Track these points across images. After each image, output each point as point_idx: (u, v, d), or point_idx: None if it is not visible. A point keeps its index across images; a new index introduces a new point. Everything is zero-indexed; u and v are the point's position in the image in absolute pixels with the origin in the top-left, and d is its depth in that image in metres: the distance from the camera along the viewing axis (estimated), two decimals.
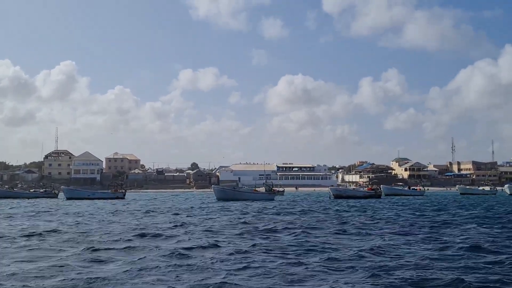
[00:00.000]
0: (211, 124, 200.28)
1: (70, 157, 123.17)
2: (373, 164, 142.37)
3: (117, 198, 54.46)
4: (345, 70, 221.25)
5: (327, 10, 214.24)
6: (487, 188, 77.65)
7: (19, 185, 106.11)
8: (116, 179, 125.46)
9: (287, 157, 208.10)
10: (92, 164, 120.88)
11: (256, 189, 55.96)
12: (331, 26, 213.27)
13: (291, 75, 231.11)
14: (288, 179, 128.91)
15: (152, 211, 28.96)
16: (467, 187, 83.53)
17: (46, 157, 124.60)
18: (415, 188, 74.59)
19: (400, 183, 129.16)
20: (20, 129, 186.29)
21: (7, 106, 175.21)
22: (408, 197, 60.10)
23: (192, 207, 34.27)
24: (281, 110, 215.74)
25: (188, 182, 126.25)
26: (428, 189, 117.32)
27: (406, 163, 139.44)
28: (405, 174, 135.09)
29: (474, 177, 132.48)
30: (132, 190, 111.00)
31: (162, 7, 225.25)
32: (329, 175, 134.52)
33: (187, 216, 24.44)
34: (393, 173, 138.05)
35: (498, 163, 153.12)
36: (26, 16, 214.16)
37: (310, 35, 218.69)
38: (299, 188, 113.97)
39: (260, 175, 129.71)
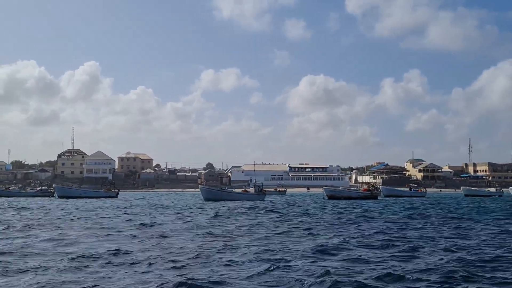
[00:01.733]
0: (231, 125, 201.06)
1: (82, 156, 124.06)
2: (387, 165, 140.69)
3: (109, 197, 54.32)
4: (367, 71, 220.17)
5: (350, 11, 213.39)
6: (492, 189, 76.31)
7: (32, 184, 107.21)
8: (128, 178, 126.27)
9: (305, 157, 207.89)
10: (104, 163, 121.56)
11: (247, 189, 55.23)
12: (354, 27, 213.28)
13: (312, 75, 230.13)
14: (300, 179, 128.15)
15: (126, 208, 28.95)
16: (472, 188, 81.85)
17: (60, 156, 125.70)
18: (417, 189, 73.19)
19: (413, 184, 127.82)
20: (44, 129, 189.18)
21: (32, 106, 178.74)
22: (406, 198, 58.73)
23: (167, 206, 34.62)
24: (302, 110, 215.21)
25: (200, 182, 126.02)
26: (441, 190, 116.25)
27: (420, 164, 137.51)
28: (419, 175, 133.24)
29: (490, 178, 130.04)
30: (143, 189, 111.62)
31: (186, 9, 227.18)
32: (341, 176, 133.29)
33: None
34: (407, 174, 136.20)
35: None
36: (51, 17, 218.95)
37: (332, 36, 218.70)
38: (310, 189, 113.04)
39: (272, 175, 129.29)
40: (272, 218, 22.70)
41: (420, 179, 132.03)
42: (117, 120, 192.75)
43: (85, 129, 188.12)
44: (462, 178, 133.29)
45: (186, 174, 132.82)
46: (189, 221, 20.27)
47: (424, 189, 72.62)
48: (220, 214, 25.09)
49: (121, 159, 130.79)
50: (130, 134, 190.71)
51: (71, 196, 53.67)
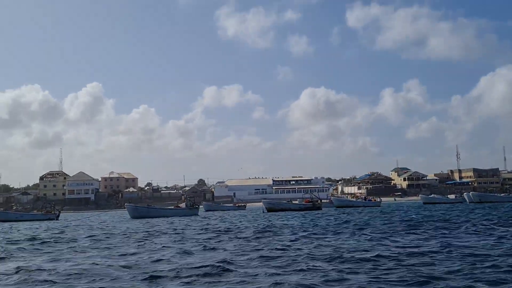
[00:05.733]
0: (233, 141, 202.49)
1: (64, 178, 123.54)
2: (372, 174, 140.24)
3: (49, 219, 52.44)
4: (368, 83, 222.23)
5: (352, 25, 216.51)
6: (452, 196, 75.74)
7: (14, 207, 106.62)
8: (112, 198, 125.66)
9: (304, 170, 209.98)
10: (86, 184, 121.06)
11: (179, 205, 54.73)
12: (356, 40, 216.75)
13: (313, 88, 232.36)
14: (284, 192, 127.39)
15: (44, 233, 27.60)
16: (430, 196, 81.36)
17: (42, 178, 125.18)
18: (371, 199, 72.44)
19: (398, 193, 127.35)
20: (46, 151, 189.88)
21: (36, 129, 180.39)
22: (359, 208, 57.47)
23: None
24: (303, 123, 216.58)
25: (183, 199, 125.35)
26: (395, 199, 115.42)
27: (405, 172, 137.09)
28: (404, 184, 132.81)
29: (475, 184, 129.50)
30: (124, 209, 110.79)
31: (190, 29, 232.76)
32: (326, 187, 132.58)
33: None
34: (392, 183, 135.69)
35: (509, 170, 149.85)
36: (54, 41, 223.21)
37: (335, 50, 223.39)
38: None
39: (255, 189, 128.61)
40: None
41: (405, 187, 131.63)
42: (118, 140, 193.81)
43: (87, 150, 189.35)
44: (448, 185, 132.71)
45: (171, 191, 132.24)
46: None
47: (379, 199, 71.89)
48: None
49: (104, 179, 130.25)
50: (131, 154, 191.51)
51: (7, 220, 50.86)
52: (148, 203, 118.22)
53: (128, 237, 20.38)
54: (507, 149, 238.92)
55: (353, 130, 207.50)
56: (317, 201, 55.39)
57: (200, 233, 21.32)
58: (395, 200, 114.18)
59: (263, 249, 13.41)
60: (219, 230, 22.86)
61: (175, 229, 24.83)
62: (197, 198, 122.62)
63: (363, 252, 12.14)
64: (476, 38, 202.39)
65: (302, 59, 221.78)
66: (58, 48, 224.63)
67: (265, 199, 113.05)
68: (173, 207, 54.03)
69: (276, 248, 13.49)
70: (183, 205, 53.59)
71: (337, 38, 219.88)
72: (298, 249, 13.28)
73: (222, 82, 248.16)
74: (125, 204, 55.49)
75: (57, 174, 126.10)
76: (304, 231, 20.61)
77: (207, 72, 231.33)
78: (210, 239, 17.90)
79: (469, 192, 66.02)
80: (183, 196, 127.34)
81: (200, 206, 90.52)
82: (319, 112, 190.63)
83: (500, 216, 27.85)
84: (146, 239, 18.57)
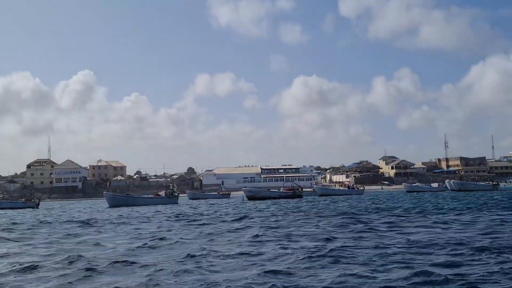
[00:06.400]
0: (225, 129, 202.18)
1: (52, 166, 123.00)
2: (360, 163, 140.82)
3: (28, 207, 52.65)
4: (361, 72, 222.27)
5: (345, 14, 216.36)
6: (435, 184, 76.49)
7: (1, 196, 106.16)
8: (99, 186, 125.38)
9: (295, 159, 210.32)
10: (74, 172, 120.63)
11: (159, 193, 54.83)
12: (349, 29, 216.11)
13: (305, 76, 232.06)
14: (272, 181, 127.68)
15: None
16: (414, 184, 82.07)
17: (29, 166, 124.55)
18: (354, 187, 72.74)
19: (386, 182, 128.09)
20: (37, 140, 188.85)
21: (27, 117, 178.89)
22: (340, 196, 57.79)
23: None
24: (295, 111, 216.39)
25: (171, 187, 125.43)
26: (382, 187, 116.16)
27: (393, 161, 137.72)
28: (392, 173, 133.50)
29: (462, 173, 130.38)
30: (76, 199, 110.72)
31: (183, 17, 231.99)
32: (314, 176, 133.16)
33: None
34: (379, 172, 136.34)
35: (496, 159, 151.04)
36: (45, 28, 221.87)
37: (328, 39, 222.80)
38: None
39: (244, 178, 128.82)
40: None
41: (393, 176, 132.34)
42: (110, 128, 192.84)
43: (78, 138, 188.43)
44: (435, 174, 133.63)
45: (159, 180, 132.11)
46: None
47: (362, 187, 72.34)
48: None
49: (92, 167, 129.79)
50: (123, 142, 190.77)
51: None
52: (135, 192, 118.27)
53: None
54: (497, 138, 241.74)
55: (345, 119, 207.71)
56: (298, 189, 55.61)
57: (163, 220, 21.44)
58: (382, 188, 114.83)
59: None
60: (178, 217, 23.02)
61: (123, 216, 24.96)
62: (186, 187, 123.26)
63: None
64: (468, 27, 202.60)
65: (295, 47, 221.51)
66: (49, 36, 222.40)
67: (253, 187, 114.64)
68: (152, 196, 53.96)
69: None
70: (162, 193, 53.66)
71: (330, 26, 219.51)
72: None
73: (214, 70, 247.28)
74: (104, 192, 55.42)
75: (45, 162, 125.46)
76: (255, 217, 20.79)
77: (200, 60, 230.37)
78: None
79: (451, 181, 66.60)
80: (171, 185, 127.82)
81: (185, 195, 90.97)
82: (311, 100, 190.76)
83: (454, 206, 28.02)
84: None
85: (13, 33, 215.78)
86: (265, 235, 13.71)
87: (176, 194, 52.83)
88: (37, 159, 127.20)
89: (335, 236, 13.38)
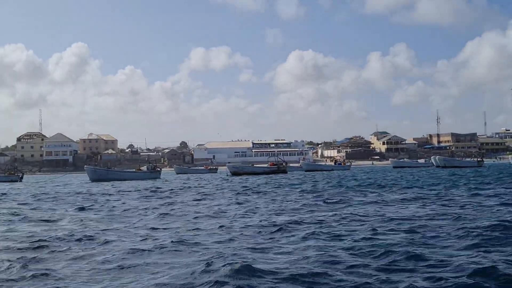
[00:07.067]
0: (219, 103, 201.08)
1: (42, 139, 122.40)
2: (352, 138, 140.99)
3: (11, 181, 52.32)
4: (357, 47, 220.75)
5: None
6: (422, 160, 77.15)
7: None
8: (90, 160, 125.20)
9: (290, 133, 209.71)
10: (64, 145, 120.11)
11: (140, 168, 54.72)
12: (346, 3, 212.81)
13: (301, 51, 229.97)
14: (263, 155, 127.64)
15: None
16: (400, 160, 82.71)
17: (19, 139, 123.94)
18: (340, 163, 72.73)
19: (377, 157, 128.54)
20: (30, 112, 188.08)
21: (20, 89, 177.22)
22: (326, 172, 57.90)
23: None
24: (290, 86, 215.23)
25: (162, 161, 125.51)
26: (372, 163, 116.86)
27: (384, 136, 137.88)
28: (383, 148, 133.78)
29: (453, 149, 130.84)
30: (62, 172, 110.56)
31: None
32: (305, 151, 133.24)
33: None
34: (371, 147, 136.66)
35: (488, 135, 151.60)
36: (39, 0, 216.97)
37: (325, 13, 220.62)
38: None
39: (235, 152, 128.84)
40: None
41: (384, 151, 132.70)
42: (104, 101, 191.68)
43: (72, 111, 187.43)
44: (426, 149, 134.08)
45: (150, 154, 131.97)
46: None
47: (349, 163, 72.54)
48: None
49: (83, 141, 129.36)
50: (117, 115, 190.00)
51: None
52: (126, 166, 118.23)
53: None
54: (492, 114, 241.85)
55: (340, 94, 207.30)
56: (282, 164, 55.48)
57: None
58: (372, 164, 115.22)
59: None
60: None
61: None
62: (177, 161, 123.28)
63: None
64: (465, 3, 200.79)
65: (291, 21, 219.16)
66: (43, 7, 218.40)
67: (243, 162, 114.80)
68: (134, 170, 53.74)
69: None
70: (144, 168, 53.46)
71: (328, 0, 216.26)
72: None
73: (210, 43, 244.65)
74: (84, 166, 55.13)
75: (35, 135, 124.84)
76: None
77: (195, 34, 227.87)
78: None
79: (436, 157, 66.96)
80: (162, 159, 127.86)
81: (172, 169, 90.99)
82: (306, 75, 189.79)
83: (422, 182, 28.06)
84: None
85: (6, 4, 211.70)
86: (200, 213, 13.53)
87: (158, 169, 52.53)
88: (28, 132, 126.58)
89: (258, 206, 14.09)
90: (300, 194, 19.98)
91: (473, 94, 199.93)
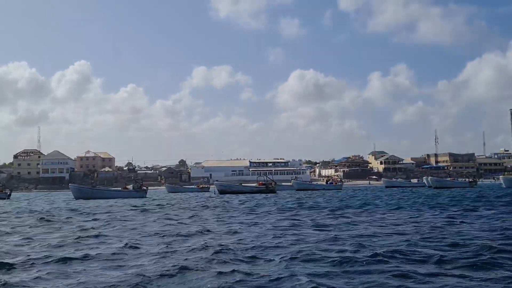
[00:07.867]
0: (220, 122, 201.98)
1: (39, 156, 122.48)
2: (349, 157, 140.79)
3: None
4: (358, 67, 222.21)
5: (343, 8, 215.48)
6: (414, 180, 76.94)
7: None
8: (87, 177, 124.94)
9: (290, 152, 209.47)
10: (61, 163, 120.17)
11: (126, 187, 54.47)
12: (348, 24, 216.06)
13: (302, 70, 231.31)
14: (260, 174, 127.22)
15: None
16: (392, 180, 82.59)
17: (16, 156, 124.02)
18: (332, 182, 72.31)
19: (374, 176, 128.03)
20: (32, 129, 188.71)
21: (22, 106, 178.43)
22: (316, 192, 57.38)
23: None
24: (291, 105, 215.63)
25: (159, 179, 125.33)
26: (369, 182, 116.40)
27: (382, 156, 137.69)
28: (381, 167, 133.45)
29: (451, 169, 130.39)
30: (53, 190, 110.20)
31: (182, 9, 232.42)
32: (303, 169, 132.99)
33: None
34: (369, 167, 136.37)
35: (487, 155, 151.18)
36: (42, 18, 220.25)
37: (326, 33, 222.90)
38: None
39: (232, 171, 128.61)
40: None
41: (382, 171, 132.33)
42: (105, 119, 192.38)
43: (74, 129, 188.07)
44: (424, 169, 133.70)
45: (147, 172, 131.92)
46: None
47: (341, 182, 72.25)
48: None
49: (80, 158, 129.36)
50: (118, 133, 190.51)
51: None
52: (122, 184, 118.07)
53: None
54: (491, 135, 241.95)
55: (341, 113, 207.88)
56: (271, 183, 55.18)
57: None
58: (369, 183, 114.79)
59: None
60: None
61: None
62: (174, 179, 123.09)
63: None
64: (465, 24, 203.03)
65: (293, 41, 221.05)
66: (46, 25, 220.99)
67: (241, 180, 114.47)
68: (120, 188, 53.49)
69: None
70: (130, 187, 53.17)
71: (329, 21, 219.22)
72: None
73: (212, 62, 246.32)
74: (69, 184, 54.93)
75: (32, 152, 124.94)
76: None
77: (197, 53, 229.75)
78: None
79: (428, 177, 66.79)
80: (159, 177, 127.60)
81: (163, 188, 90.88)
82: (306, 94, 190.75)
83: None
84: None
85: (10, 23, 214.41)
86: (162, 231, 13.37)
87: (144, 188, 51.99)
88: (25, 150, 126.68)
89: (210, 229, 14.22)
90: (260, 214, 19.87)
91: (472, 114, 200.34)
